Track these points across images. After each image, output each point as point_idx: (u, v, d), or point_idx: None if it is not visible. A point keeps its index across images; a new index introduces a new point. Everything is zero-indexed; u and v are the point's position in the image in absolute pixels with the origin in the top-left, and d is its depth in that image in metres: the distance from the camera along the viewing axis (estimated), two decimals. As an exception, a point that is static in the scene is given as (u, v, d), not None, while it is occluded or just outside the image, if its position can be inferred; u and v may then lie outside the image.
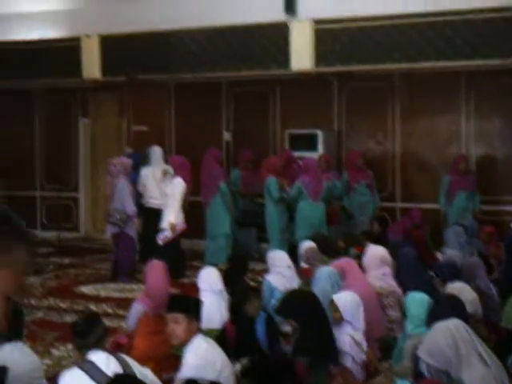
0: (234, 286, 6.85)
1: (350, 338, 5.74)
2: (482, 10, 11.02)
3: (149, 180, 11.35)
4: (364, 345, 5.86)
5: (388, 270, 7.47)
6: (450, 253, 8.00)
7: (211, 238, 11.56)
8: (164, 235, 10.39)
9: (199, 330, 4.99)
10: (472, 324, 4.93)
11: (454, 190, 11.21)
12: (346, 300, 5.96)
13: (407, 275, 7.44)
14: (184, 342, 4.88)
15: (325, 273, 6.64)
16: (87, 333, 4.87)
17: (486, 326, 6.03)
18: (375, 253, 7.63)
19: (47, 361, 6.65)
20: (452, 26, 11.25)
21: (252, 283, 8.57)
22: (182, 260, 10.76)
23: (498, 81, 11.61)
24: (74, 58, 13.81)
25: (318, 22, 12.03)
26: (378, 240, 9.25)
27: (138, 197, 11.26)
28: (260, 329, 6.02)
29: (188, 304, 5.07)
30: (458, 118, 11.97)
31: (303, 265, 8.48)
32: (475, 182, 11.29)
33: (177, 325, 4.89)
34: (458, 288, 6.08)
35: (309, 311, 5.63)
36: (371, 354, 5.94)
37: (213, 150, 11.99)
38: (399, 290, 7.23)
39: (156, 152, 11.66)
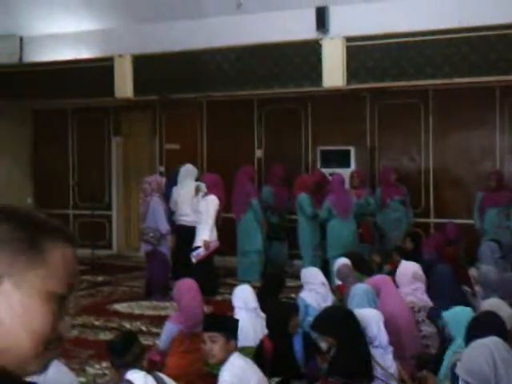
0: (268, 304, 6.82)
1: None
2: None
3: (180, 197, 11.39)
4: (390, 363, 5.74)
5: (420, 285, 7.39)
6: (484, 269, 7.90)
7: (243, 255, 11.59)
8: (197, 253, 10.39)
9: (236, 349, 4.98)
10: (510, 342, 4.85)
11: (485, 206, 11.09)
12: (362, 316, 5.88)
13: (442, 292, 7.36)
14: (221, 361, 4.87)
15: (361, 290, 6.58)
16: (125, 351, 4.85)
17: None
18: (406, 269, 7.56)
19: (82, 379, 6.66)
20: (486, 41, 11.19)
21: (285, 300, 8.55)
22: (215, 277, 10.76)
23: (532, 96, 11.53)
24: (106, 78, 13.93)
25: (349, 39, 12.04)
26: (411, 256, 9.19)
27: (171, 214, 11.30)
28: (297, 346, 5.99)
29: (225, 323, 5.07)
30: (492, 134, 11.89)
31: (337, 282, 8.44)
32: (509, 198, 11.14)
33: (214, 344, 4.88)
34: (494, 304, 5.99)
35: (347, 329, 5.58)
36: (403, 373, 5.86)
37: (246, 167, 12.10)
38: (431, 305, 7.15)
39: (187, 170, 11.68)
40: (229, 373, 4.78)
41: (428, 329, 6.95)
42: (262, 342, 5.99)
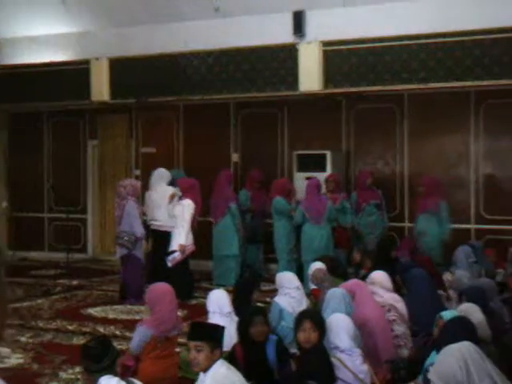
0: (242, 308, 6.80)
1: (337, 361, 5.67)
2: (491, 31, 11.02)
3: (152, 202, 11.33)
4: (359, 367, 5.75)
5: (383, 291, 7.40)
6: (459, 273, 7.95)
7: (219, 259, 11.58)
8: (173, 257, 10.35)
9: (220, 357, 4.96)
10: (482, 346, 4.87)
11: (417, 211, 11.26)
12: (331, 321, 5.90)
13: (417, 295, 7.39)
14: (205, 370, 4.86)
15: (338, 294, 6.59)
16: (101, 357, 4.80)
17: (497, 348, 5.95)
18: (374, 277, 7.60)
19: None
20: (461, 47, 11.26)
21: (260, 304, 8.54)
22: (190, 282, 10.74)
23: (507, 101, 11.59)
24: (83, 81, 13.89)
25: (326, 43, 12.08)
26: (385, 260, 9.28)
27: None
28: (271, 351, 5.97)
29: (211, 332, 5.04)
30: (467, 139, 11.96)
31: (312, 286, 8.45)
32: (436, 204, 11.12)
33: (199, 353, 4.86)
34: (467, 309, 6.02)
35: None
36: (375, 378, 5.88)
37: (226, 171, 12.15)
38: (400, 305, 7.18)
39: (160, 173, 11.61)
40: (212, 380, 4.77)
41: (400, 328, 6.99)
42: (234, 347, 5.97)
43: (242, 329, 5.95)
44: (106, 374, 4.52)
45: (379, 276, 7.52)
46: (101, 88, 13.81)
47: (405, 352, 6.83)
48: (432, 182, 11.25)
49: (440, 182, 11.40)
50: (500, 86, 11.34)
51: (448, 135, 12.03)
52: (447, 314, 5.80)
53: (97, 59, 13.79)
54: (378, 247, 10.04)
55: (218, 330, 5.09)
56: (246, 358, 5.76)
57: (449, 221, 11.06)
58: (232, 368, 4.96)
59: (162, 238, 10.83)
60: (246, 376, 5.16)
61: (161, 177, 11.51)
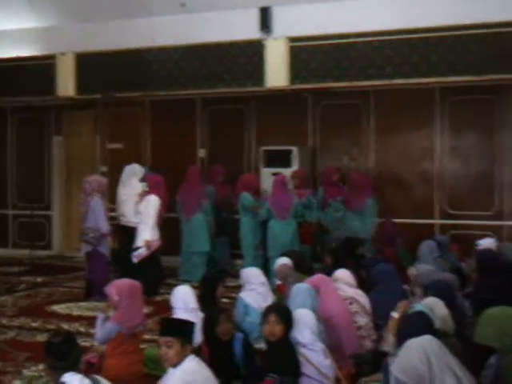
0: (206, 304, 6.80)
1: (300, 356, 5.69)
2: (455, 28, 11.12)
3: (123, 197, 11.29)
4: (322, 362, 5.77)
5: (346, 287, 7.45)
6: (423, 268, 7.99)
7: (187, 255, 11.56)
8: (139, 253, 10.31)
9: (191, 352, 4.95)
10: (445, 340, 4.91)
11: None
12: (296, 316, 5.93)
13: (383, 290, 7.43)
14: (175, 365, 4.85)
15: (304, 288, 6.60)
16: (66, 354, 4.75)
17: (460, 342, 6.01)
18: (337, 274, 7.64)
19: (18, 381, 6.54)
20: (426, 43, 11.35)
21: (226, 300, 8.54)
22: (160, 278, 10.73)
23: (472, 97, 11.71)
24: (48, 76, 13.80)
25: (292, 39, 12.10)
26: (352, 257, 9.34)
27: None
28: (238, 348, 5.98)
29: (181, 328, 5.03)
30: (432, 134, 12.05)
31: (277, 281, 8.46)
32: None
33: (169, 349, 4.86)
34: (431, 303, 6.06)
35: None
36: (338, 372, 5.91)
37: (194, 167, 12.28)
38: (363, 299, 7.23)
39: (132, 169, 11.57)
40: (182, 373, 4.76)
41: (362, 319, 7.04)
42: (199, 348, 5.96)
43: (208, 329, 5.94)
44: (69, 371, 4.49)
45: (342, 273, 7.60)
46: (66, 83, 13.72)
47: (368, 344, 6.88)
48: (360, 180, 11.35)
49: (369, 179, 11.47)
50: (464, 82, 11.45)
51: (413, 131, 12.12)
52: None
53: (62, 54, 13.70)
54: (343, 244, 10.08)
55: (189, 326, 5.09)
56: (212, 357, 5.75)
57: (373, 218, 11.14)
58: (202, 363, 4.96)
59: (130, 234, 10.79)
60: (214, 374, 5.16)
61: (133, 173, 11.49)
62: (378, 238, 11.28)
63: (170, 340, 4.87)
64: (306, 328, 5.78)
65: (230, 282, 10.43)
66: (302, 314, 5.88)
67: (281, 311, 5.77)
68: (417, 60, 11.43)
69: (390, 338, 5.91)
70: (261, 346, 6.54)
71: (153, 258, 10.48)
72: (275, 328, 5.63)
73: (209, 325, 5.94)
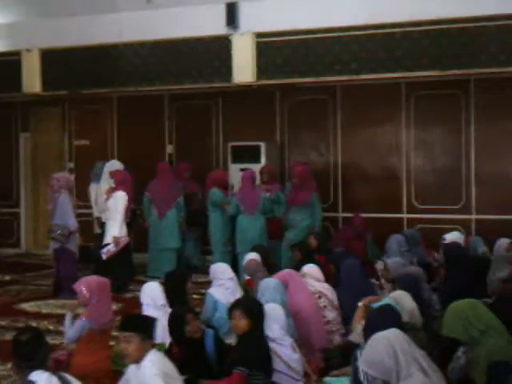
0: (175, 301, 6.81)
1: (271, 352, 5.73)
2: (421, 23, 11.20)
3: (94, 192, 11.31)
4: (290, 356, 5.82)
5: (313, 281, 7.50)
6: (391, 261, 8.07)
7: (156, 252, 11.54)
8: (107, 249, 10.28)
9: (152, 348, 4.95)
10: (412, 333, 4.97)
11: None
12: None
13: (351, 284, 7.49)
14: (136, 361, 4.84)
15: (272, 283, 6.64)
16: (32, 354, 4.70)
17: (427, 335, 6.08)
18: (305, 270, 7.71)
19: (-14, 380, 6.51)
20: (392, 39, 11.42)
21: (195, 296, 8.55)
22: (130, 274, 10.72)
23: (437, 92, 11.82)
24: (14, 72, 13.65)
25: (259, 35, 12.12)
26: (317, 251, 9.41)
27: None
28: (209, 345, 5.99)
29: (140, 323, 5.03)
30: (399, 129, 12.14)
31: (246, 277, 8.50)
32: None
33: (128, 344, 4.84)
34: (399, 297, 6.13)
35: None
36: (307, 366, 5.95)
37: (163, 164, 12.28)
38: (330, 293, 7.29)
39: (112, 166, 11.52)
40: (150, 363, 4.77)
41: (331, 314, 7.10)
42: (170, 349, 5.96)
43: (176, 330, 5.92)
44: (36, 369, 4.46)
45: (310, 268, 7.66)
46: (32, 80, 13.61)
47: (337, 338, 6.94)
48: (305, 172, 11.30)
49: (310, 172, 11.49)
50: (429, 77, 11.56)
51: (380, 126, 12.21)
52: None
53: (28, 50, 13.58)
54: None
55: (148, 322, 5.09)
56: (184, 356, 5.74)
57: (320, 213, 11.18)
58: (164, 357, 4.96)
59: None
60: (182, 371, 5.18)
61: (114, 169, 11.41)
62: (345, 232, 11.36)
63: (129, 335, 4.85)
64: (274, 322, 5.81)
65: (200, 278, 10.46)
66: (271, 308, 5.91)
67: (244, 306, 5.73)
68: (383, 55, 11.49)
69: (358, 329, 5.98)
70: (231, 341, 6.59)
71: (124, 254, 10.46)
72: (239, 322, 5.65)
73: (176, 326, 5.93)
